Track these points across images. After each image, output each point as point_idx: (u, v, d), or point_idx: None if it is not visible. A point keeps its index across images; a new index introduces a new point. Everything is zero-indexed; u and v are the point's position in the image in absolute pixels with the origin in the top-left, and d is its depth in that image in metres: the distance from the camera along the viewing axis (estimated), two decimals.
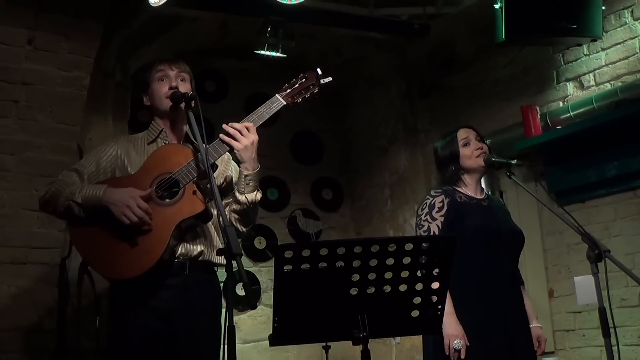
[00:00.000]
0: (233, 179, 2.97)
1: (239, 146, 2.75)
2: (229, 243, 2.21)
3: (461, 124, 3.48)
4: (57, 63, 4.13)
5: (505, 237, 3.10)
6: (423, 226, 3.08)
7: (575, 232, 2.84)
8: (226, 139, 2.76)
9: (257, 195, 2.82)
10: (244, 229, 2.88)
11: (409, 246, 2.24)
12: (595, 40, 4.36)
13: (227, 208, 2.87)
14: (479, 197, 3.23)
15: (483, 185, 3.43)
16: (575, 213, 4.13)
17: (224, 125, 2.78)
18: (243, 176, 2.79)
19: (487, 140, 3.45)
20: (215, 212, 2.80)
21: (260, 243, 5.95)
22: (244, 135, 2.75)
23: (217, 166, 2.84)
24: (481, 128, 3.47)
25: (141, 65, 4.77)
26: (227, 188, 2.98)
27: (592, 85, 4.54)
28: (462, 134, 3.28)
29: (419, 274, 2.30)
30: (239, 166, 2.82)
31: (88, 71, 4.24)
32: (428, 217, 3.08)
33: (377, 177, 6.11)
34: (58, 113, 4.17)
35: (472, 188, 3.25)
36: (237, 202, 2.82)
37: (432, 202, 3.12)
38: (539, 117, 4.65)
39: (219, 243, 2.88)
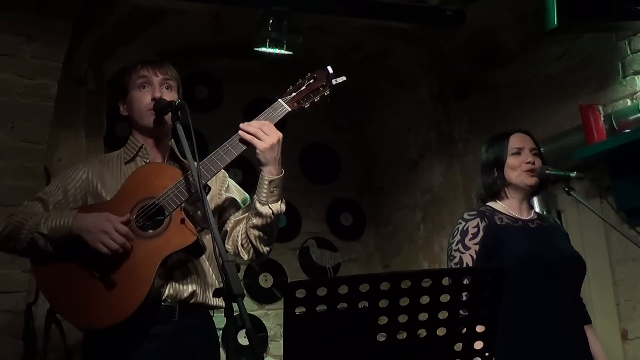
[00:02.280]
0: (236, 199, 3.01)
1: (263, 145, 2.76)
2: (228, 281, 2.20)
3: (507, 129, 3.51)
4: (18, 69, 4.18)
5: (561, 266, 3.11)
6: (454, 257, 3.11)
7: None
8: (248, 137, 2.77)
9: (282, 206, 2.85)
10: (266, 250, 2.89)
11: (447, 281, 2.23)
12: None
13: (243, 224, 2.89)
14: (525, 217, 3.26)
15: (536, 203, 3.43)
16: None
17: (242, 125, 2.79)
18: (266, 182, 2.81)
19: (541, 149, 3.46)
20: (209, 243, 2.80)
21: (266, 281, 5.99)
22: (267, 133, 2.77)
23: (210, 187, 2.83)
24: (534, 135, 3.48)
25: (118, 70, 4.84)
26: (227, 211, 2.99)
27: None
28: (516, 140, 3.32)
29: (460, 314, 2.30)
30: (260, 171, 2.83)
31: (55, 78, 4.28)
32: (460, 246, 3.11)
33: (406, 197, 6.14)
34: (20, 129, 4.21)
35: (516, 206, 3.27)
36: (259, 214, 2.83)
37: (465, 227, 3.15)
38: (602, 118, 4.67)
39: (215, 281, 2.88)
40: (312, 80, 2.92)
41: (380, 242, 6.40)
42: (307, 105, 2.90)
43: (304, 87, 2.91)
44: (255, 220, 2.83)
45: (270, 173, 2.81)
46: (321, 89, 2.90)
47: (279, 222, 2.89)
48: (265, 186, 2.82)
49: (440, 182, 5.85)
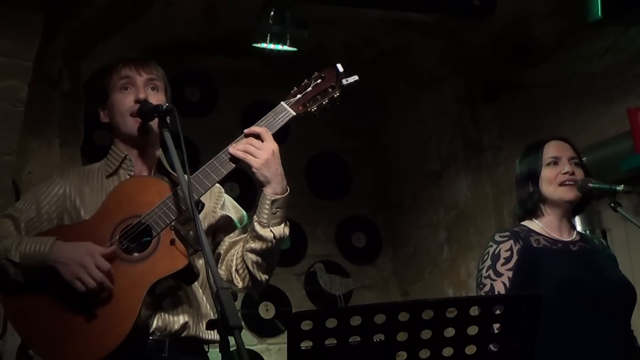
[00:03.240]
0: (232, 218, 3.01)
1: (257, 163, 2.77)
2: (223, 311, 2.21)
3: (543, 135, 3.51)
4: None
5: (607, 293, 3.11)
6: (484, 285, 3.13)
7: None
8: (239, 154, 2.78)
9: (285, 230, 2.85)
10: (264, 278, 2.90)
11: (475, 311, 2.23)
12: None
13: (239, 247, 2.90)
14: (566, 238, 3.26)
15: (577, 221, 3.45)
16: None
17: (231, 146, 2.79)
18: (268, 202, 2.81)
19: (583, 159, 3.46)
20: (203, 268, 2.79)
21: (267, 311, 6.01)
22: (259, 147, 2.78)
23: (203, 204, 2.83)
24: (573, 142, 3.48)
25: (97, 69, 4.89)
26: (222, 231, 3.00)
27: None
28: (551, 149, 3.33)
29: (491, 350, 2.29)
30: (262, 189, 2.83)
31: (25, 79, 4.28)
32: (491, 272, 3.12)
33: (428, 215, 6.14)
34: None
35: (555, 225, 3.27)
36: (259, 238, 2.84)
37: (497, 251, 3.15)
38: None
39: (209, 312, 2.87)
40: (319, 81, 2.92)
41: (398, 266, 6.41)
42: (314, 108, 2.90)
43: (310, 88, 2.91)
44: (254, 244, 2.84)
45: (273, 191, 2.80)
46: (330, 90, 2.90)
47: (280, 247, 2.88)
48: (267, 206, 2.81)
49: (467, 197, 5.85)
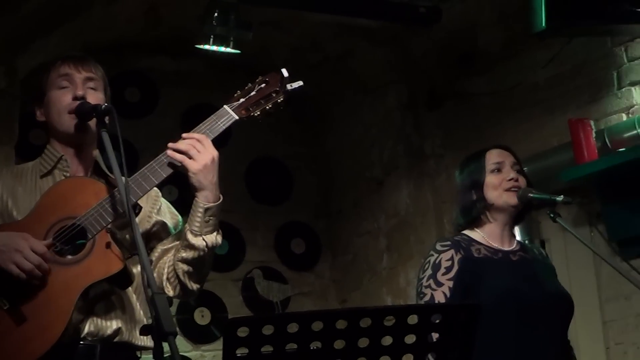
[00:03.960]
0: (167, 224, 2.99)
1: (195, 167, 2.76)
2: (158, 317, 2.17)
3: (486, 144, 3.54)
4: None
5: (546, 304, 3.13)
6: (424, 295, 3.12)
7: None
8: (178, 157, 2.77)
9: (217, 238, 2.84)
10: (195, 287, 2.88)
11: (413, 319, 2.23)
12: None
13: (170, 255, 2.88)
14: (506, 248, 3.27)
15: (517, 231, 3.48)
16: None
17: (170, 145, 2.78)
18: (201, 210, 2.80)
19: (524, 169, 3.47)
20: (138, 273, 2.77)
21: (202, 317, 5.97)
22: (200, 150, 2.77)
23: (140, 207, 2.82)
24: (514, 150, 3.49)
25: (35, 67, 4.83)
26: (155, 237, 2.97)
27: None
28: (493, 156, 3.33)
29: (429, 358, 2.30)
30: (194, 196, 2.81)
31: None
32: (431, 281, 3.12)
33: (368, 222, 6.12)
34: None
35: (497, 234, 3.28)
36: (190, 247, 2.82)
37: (437, 260, 3.15)
38: (594, 135, 4.71)
39: (143, 318, 2.85)
40: (263, 85, 2.92)
41: (337, 274, 6.39)
42: (257, 113, 2.90)
43: (254, 93, 2.91)
44: (185, 253, 2.83)
45: (206, 199, 2.79)
46: (274, 95, 2.90)
47: (213, 255, 2.87)
48: (200, 214, 2.80)
49: (408, 205, 5.83)
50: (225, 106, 2.90)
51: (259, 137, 6.17)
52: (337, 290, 6.39)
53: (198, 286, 2.89)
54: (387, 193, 6.02)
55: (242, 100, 2.91)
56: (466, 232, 3.30)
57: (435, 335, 2.29)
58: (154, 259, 2.93)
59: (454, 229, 3.40)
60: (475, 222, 3.30)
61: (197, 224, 2.80)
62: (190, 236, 2.81)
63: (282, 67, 2.92)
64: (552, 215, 3.21)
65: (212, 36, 4.70)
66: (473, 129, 5.50)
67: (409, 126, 5.90)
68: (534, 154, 4.94)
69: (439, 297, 3.07)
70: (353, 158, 6.32)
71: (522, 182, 3.28)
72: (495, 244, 3.24)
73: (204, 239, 2.81)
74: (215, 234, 2.83)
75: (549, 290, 3.17)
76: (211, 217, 2.81)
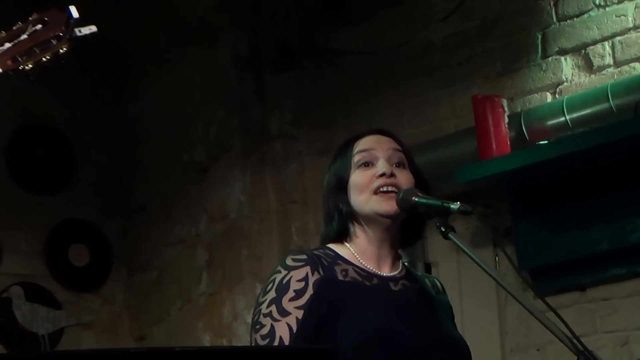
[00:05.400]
0: None
1: None
2: None
3: (356, 123, 3.97)
4: None
5: (431, 352, 2.89)
6: (262, 326, 2.86)
7: (567, 346, 2.68)
8: None
9: None
10: None
11: None
12: None
13: None
14: (386, 273, 3.00)
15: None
16: (570, 310, 4.36)
17: None
18: None
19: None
20: None
21: None
22: None
23: None
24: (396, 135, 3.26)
25: None
26: None
27: (609, 65, 4.55)
28: (365, 143, 3.07)
29: None
30: None
31: None
32: (274, 308, 2.87)
33: (183, 226, 5.86)
34: None
35: (372, 253, 3.00)
36: None
37: (285, 280, 2.91)
38: (506, 120, 4.58)
39: None
40: (40, 26, 2.86)
41: (134, 298, 6.05)
42: (29, 65, 2.86)
43: (25, 36, 2.86)
44: None
45: None
46: (55, 42, 2.84)
47: None
48: None
49: (242, 205, 5.49)
50: None
51: (29, 96, 5.68)
52: (133, 322, 6.01)
53: None
54: (212, 186, 5.70)
55: (7, 45, 2.90)
56: (333, 245, 3.00)
57: None
58: None
59: (320, 240, 3.12)
60: (343, 235, 3.00)
61: None
62: None
63: (71, 5, 2.81)
64: (442, 229, 2.87)
65: None
66: (338, 101, 5.31)
67: (248, 92, 5.54)
68: (421, 142, 4.78)
69: (282, 332, 2.82)
70: (166, 133, 5.90)
71: (405, 179, 2.95)
72: (370, 266, 2.97)
73: None
74: None
75: (436, 335, 2.92)
76: None
